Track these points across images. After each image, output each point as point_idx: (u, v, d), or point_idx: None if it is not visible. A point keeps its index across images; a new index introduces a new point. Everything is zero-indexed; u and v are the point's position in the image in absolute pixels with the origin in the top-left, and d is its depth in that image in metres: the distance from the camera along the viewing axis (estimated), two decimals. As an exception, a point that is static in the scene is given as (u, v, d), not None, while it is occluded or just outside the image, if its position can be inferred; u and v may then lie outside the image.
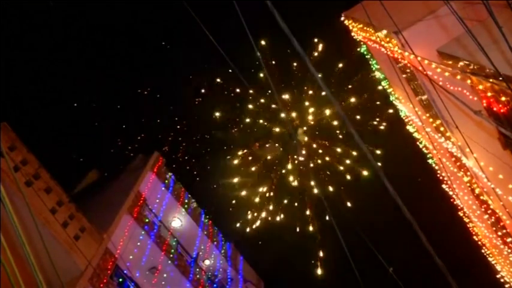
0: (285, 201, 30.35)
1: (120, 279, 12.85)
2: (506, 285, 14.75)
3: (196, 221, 17.97)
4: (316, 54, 24.49)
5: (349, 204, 25.11)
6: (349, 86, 25.29)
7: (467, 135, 7.72)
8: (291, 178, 28.39)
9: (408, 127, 14.72)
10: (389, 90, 14.55)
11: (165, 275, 14.36)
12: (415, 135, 14.64)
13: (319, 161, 28.66)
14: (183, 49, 30.95)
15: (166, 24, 31.64)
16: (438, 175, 15.37)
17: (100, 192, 16.52)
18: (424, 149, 15.05)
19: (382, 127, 25.21)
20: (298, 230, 29.90)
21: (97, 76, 30.99)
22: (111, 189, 16.37)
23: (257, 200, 29.45)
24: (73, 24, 29.45)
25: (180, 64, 32.23)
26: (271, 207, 29.92)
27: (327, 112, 25.80)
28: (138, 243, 13.82)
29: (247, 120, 30.71)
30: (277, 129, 29.16)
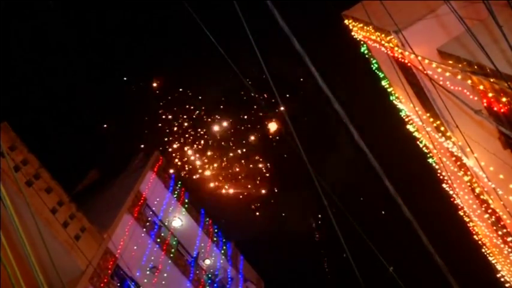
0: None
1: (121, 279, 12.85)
2: (507, 285, 14.74)
3: (197, 221, 17.98)
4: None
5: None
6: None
7: (467, 135, 7.72)
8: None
9: (408, 126, 14.71)
10: (389, 90, 14.54)
11: (165, 275, 14.36)
12: (415, 134, 14.63)
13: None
14: (182, 49, 31.00)
15: (167, 25, 31.65)
16: (438, 174, 15.36)
17: (100, 192, 16.53)
18: (424, 149, 15.04)
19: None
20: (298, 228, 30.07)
21: (97, 76, 31.00)
22: (111, 189, 16.37)
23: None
24: (73, 24, 29.45)
25: (180, 64, 32.26)
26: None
27: None
28: (139, 243, 13.82)
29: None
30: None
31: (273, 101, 31.04)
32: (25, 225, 2.97)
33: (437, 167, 14.73)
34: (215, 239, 18.48)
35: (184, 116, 34.13)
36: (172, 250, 15.19)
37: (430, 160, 15.22)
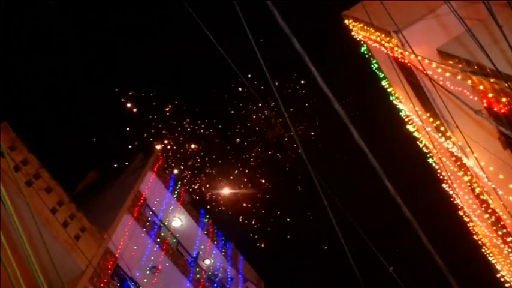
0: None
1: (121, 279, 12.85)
2: (507, 285, 14.75)
3: (197, 221, 17.98)
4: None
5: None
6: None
7: (467, 135, 7.72)
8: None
9: (408, 126, 14.71)
10: (389, 90, 14.54)
11: (165, 275, 14.36)
12: (415, 134, 14.63)
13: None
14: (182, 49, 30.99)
15: (168, 23, 31.64)
16: (438, 174, 15.36)
17: (100, 192, 16.52)
18: (424, 149, 15.04)
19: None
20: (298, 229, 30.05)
21: (97, 76, 31.00)
22: (111, 189, 16.37)
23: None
24: (73, 24, 29.45)
25: (179, 63, 32.24)
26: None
27: None
28: (139, 243, 13.82)
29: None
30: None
31: (276, 110, 31.02)
32: (25, 225, 2.97)
33: (437, 167, 14.73)
34: (215, 239, 18.48)
35: (179, 128, 33.85)
36: (172, 250, 15.19)
37: (430, 160, 15.22)
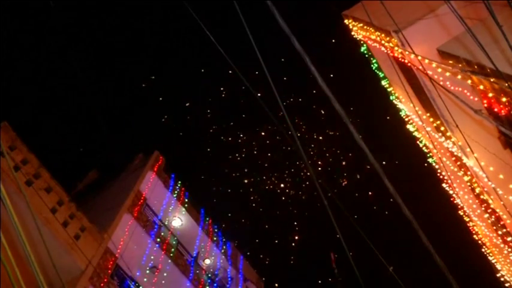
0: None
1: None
2: (507, 284, 14.75)
3: (197, 220, 17.98)
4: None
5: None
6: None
7: (467, 135, 7.72)
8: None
9: (408, 126, 14.71)
10: (389, 90, 14.53)
11: (165, 274, 14.36)
12: (415, 134, 14.63)
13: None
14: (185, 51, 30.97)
15: (168, 25, 31.62)
16: (438, 174, 15.37)
17: (100, 192, 16.52)
18: (424, 149, 15.04)
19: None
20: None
21: (97, 76, 31.00)
22: (111, 189, 16.37)
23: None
24: (73, 24, 29.45)
25: (179, 64, 32.22)
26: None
27: None
28: (139, 243, 13.83)
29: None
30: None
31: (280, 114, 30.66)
32: (25, 224, 2.97)
33: (437, 167, 14.73)
34: (215, 238, 18.48)
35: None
36: (172, 250, 15.19)
37: (430, 160, 15.23)
